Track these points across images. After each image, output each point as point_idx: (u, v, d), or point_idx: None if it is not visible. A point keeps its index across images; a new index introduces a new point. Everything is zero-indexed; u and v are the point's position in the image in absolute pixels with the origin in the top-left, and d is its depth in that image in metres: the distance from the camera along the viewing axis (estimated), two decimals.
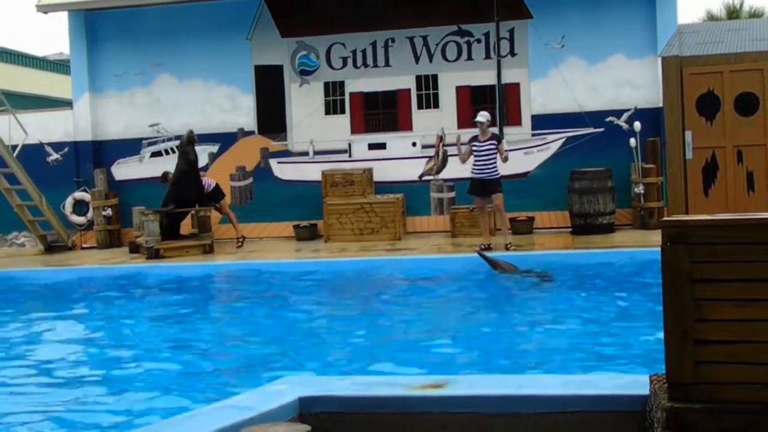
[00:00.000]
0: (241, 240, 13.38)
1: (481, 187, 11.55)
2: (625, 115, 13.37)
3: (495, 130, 13.73)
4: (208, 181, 13.48)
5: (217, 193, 13.49)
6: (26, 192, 14.18)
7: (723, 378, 3.22)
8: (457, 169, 13.84)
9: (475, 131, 11.76)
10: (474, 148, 11.55)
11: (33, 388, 6.11)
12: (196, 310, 9.28)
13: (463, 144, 11.73)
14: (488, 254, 10.23)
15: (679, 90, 12.58)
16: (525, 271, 9.69)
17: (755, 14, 23.16)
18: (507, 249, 11.19)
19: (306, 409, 3.93)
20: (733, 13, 23.62)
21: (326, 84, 14.35)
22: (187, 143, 13.09)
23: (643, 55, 13.27)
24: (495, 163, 11.50)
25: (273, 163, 14.53)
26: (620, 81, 13.41)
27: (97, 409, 5.47)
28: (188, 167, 13.07)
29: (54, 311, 9.48)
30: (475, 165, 11.54)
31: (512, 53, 13.80)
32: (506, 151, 11.76)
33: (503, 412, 3.81)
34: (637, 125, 12.95)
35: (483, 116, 11.63)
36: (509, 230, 11.86)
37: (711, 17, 23.99)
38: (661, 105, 12.88)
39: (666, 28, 13.07)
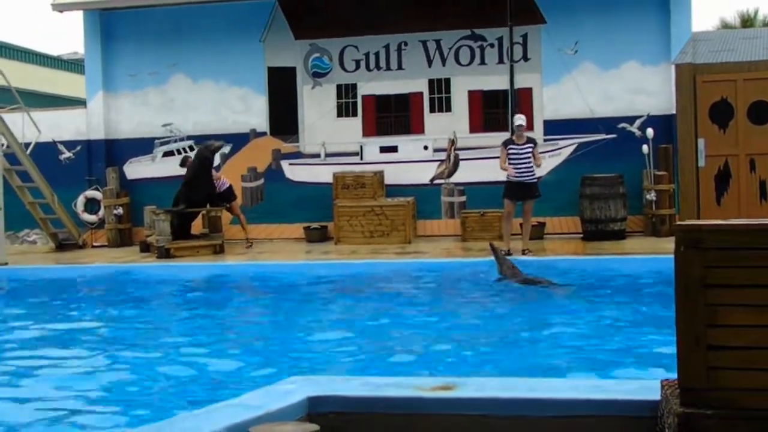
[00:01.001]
0: (249, 243, 13.38)
1: (521, 189, 11.36)
2: (638, 122, 13.34)
3: (507, 134, 13.73)
4: (224, 181, 13.48)
5: (229, 194, 13.51)
6: (38, 190, 14.25)
7: (736, 384, 3.20)
8: (468, 173, 13.87)
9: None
10: (512, 152, 11.34)
11: (31, 386, 6.12)
12: (205, 309, 9.28)
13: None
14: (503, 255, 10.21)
15: (692, 97, 12.55)
16: (526, 280, 9.61)
17: None
18: (524, 254, 11.15)
19: (314, 409, 3.92)
20: (747, 22, 23.57)
21: (339, 86, 14.37)
22: (212, 152, 13.20)
23: (657, 62, 13.25)
24: (533, 165, 11.43)
25: (284, 164, 14.55)
26: (633, 88, 13.38)
27: (106, 410, 5.48)
28: (202, 170, 13.12)
29: (60, 309, 9.50)
30: (516, 168, 11.30)
31: (525, 58, 13.80)
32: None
33: (513, 415, 3.79)
34: (650, 132, 12.91)
35: (522, 119, 11.48)
36: (528, 236, 11.76)
37: (725, 25, 23.94)
38: (674, 112, 12.85)
39: (680, 36, 13.04)
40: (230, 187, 13.54)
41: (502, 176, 13.20)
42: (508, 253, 11.09)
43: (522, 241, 11.56)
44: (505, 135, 13.68)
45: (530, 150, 11.32)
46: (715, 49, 13.11)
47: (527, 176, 11.33)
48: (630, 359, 6.32)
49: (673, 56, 12.90)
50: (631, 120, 13.38)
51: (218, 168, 14.06)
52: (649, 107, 13.32)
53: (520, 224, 12.23)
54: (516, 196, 11.42)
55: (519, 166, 11.31)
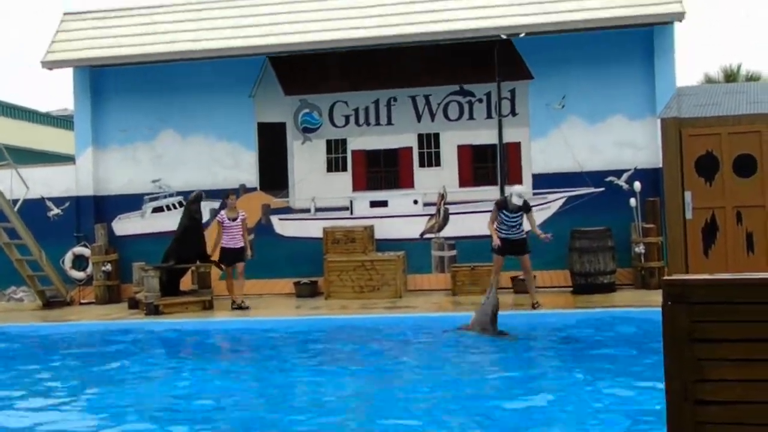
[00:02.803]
0: (238, 304, 12.63)
1: (509, 246, 11.27)
2: (625, 175, 13.43)
3: (497, 188, 13.81)
4: (242, 214, 12.84)
5: (242, 254, 12.80)
6: (26, 247, 14.19)
7: None
8: (458, 227, 13.90)
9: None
10: (503, 216, 11.24)
11: None
12: (192, 367, 9.18)
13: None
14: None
15: (678, 151, 12.65)
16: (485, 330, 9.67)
17: (752, 77, 23.44)
18: (534, 308, 11.11)
19: None
20: (730, 77, 23.91)
21: (328, 141, 14.46)
22: (194, 201, 13.16)
23: (643, 116, 13.40)
24: (522, 227, 11.36)
25: (274, 219, 14.56)
26: (620, 141, 13.52)
27: None
28: (192, 224, 13.10)
29: (44, 368, 9.36)
30: (504, 230, 11.25)
31: (513, 113, 13.94)
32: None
33: None
34: (637, 185, 13.00)
35: (520, 200, 11.21)
36: (536, 289, 11.69)
37: (709, 80, 24.28)
38: (660, 165, 12.94)
39: (665, 90, 13.22)
40: (243, 248, 12.79)
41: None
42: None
43: (530, 295, 11.50)
44: (495, 189, 13.81)
45: (521, 216, 11.28)
46: (699, 104, 13.28)
47: (515, 235, 11.31)
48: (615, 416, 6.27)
49: (659, 110, 13.05)
50: (618, 173, 13.49)
51: (207, 224, 14.01)
52: (636, 161, 13.43)
53: (511, 278, 12.22)
54: (504, 252, 11.41)
55: (507, 226, 11.26)
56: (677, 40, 13.43)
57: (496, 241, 11.19)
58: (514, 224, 11.27)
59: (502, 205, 11.37)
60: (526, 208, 11.37)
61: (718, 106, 13.15)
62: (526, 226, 11.40)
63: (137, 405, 7.25)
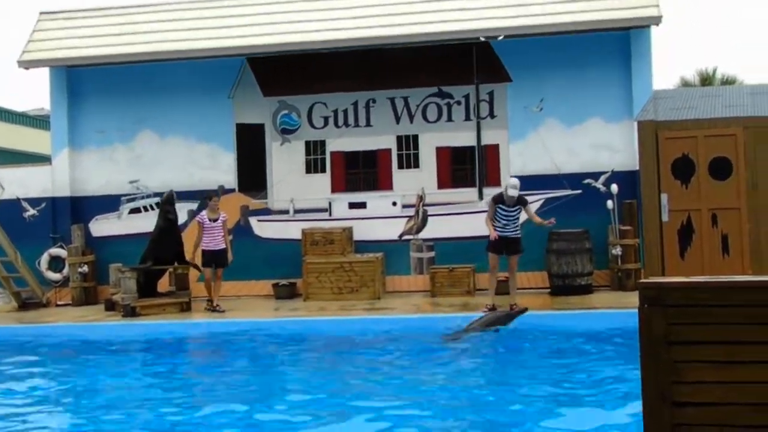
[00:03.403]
0: (214, 307, 12.50)
1: (504, 244, 11.28)
2: (603, 178, 13.53)
3: (475, 190, 13.86)
4: (223, 215, 12.72)
5: (224, 257, 12.67)
6: (1, 248, 14.05)
7: None
8: (436, 228, 13.94)
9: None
10: (500, 211, 11.28)
11: None
12: (170, 369, 9.15)
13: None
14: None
15: (654, 153, 12.76)
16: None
17: (728, 81, 23.68)
18: (511, 309, 11.15)
19: None
20: (706, 80, 24.14)
21: (307, 143, 14.45)
22: (167, 202, 13.13)
23: (620, 119, 13.50)
24: (519, 224, 11.42)
25: (253, 221, 14.52)
26: (597, 144, 13.61)
27: None
28: (167, 225, 13.05)
29: (18, 370, 9.30)
30: (501, 225, 11.28)
31: (492, 115, 13.99)
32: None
33: None
34: (614, 188, 13.09)
35: (515, 190, 11.22)
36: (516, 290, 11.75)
37: (685, 83, 24.49)
38: (637, 168, 13.05)
39: (642, 93, 13.32)
40: (224, 250, 12.64)
41: (469, 232, 13.27)
42: (493, 308, 11.11)
43: (510, 296, 11.54)
44: (473, 191, 13.86)
45: (519, 210, 11.35)
46: (676, 107, 13.39)
47: (511, 232, 11.35)
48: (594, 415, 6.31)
49: (636, 113, 13.15)
50: (595, 176, 13.57)
51: (185, 225, 13.96)
52: (613, 163, 13.53)
53: (500, 280, 12.18)
54: (499, 250, 11.42)
55: (505, 221, 11.31)
56: (654, 43, 13.57)
57: (494, 235, 11.21)
58: (512, 219, 11.30)
59: (499, 199, 11.39)
60: (522, 201, 11.40)
61: (694, 110, 13.28)
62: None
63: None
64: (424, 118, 14.14)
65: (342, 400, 7.06)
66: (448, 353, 9.19)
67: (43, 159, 18.42)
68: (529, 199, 13.71)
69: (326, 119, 14.38)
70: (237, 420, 6.59)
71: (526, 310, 10.57)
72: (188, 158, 14.63)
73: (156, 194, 14.56)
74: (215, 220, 12.59)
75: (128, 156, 14.82)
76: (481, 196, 13.78)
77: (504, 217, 11.31)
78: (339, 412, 6.65)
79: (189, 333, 11.50)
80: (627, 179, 13.31)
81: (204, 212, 12.77)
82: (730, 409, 3.20)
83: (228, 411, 6.88)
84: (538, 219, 11.50)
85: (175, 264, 13.22)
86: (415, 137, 14.17)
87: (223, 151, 14.58)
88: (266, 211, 14.52)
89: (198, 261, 12.80)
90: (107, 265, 13.96)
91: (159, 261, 13.03)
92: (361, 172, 14.35)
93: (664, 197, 12.71)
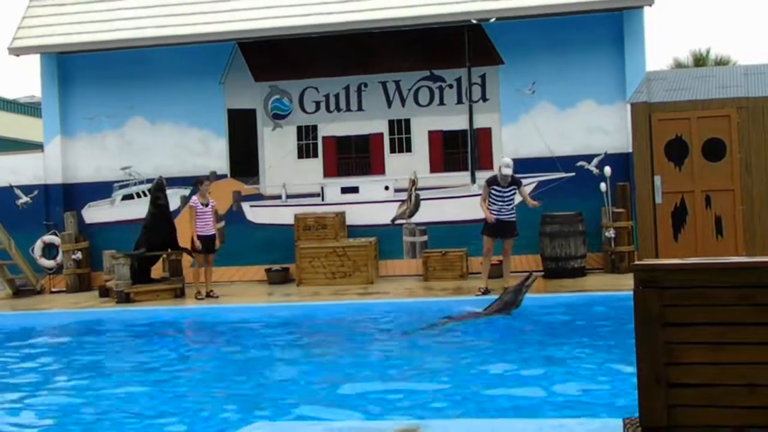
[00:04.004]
0: (206, 294, 12.43)
1: (500, 227, 11.31)
2: (596, 160, 13.52)
3: (468, 174, 13.85)
4: (211, 201, 12.63)
5: (213, 243, 12.59)
6: None
7: (696, 421, 3.22)
8: (429, 212, 13.93)
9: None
10: (494, 192, 11.31)
11: None
12: (166, 354, 9.14)
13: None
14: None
15: (648, 136, 12.77)
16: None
17: (721, 62, 23.63)
18: (504, 291, 11.13)
19: None
20: (699, 61, 24.09)
21: (299, 128, 14.40)
22: (156, 189, 13.09)
23: (613, 101, 13.47)
24: (514, 206, 11.44)
25: (245, 206, 14.49)
26: (590, 126, 13.58)
27: None
28: (158, 211, 13.01)
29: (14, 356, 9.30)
30: (496, 207, 11.30)
31: (484, 98, 13.96)
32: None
33: None
34: (608, 170, 13.09)
35: (509, 169, 11.22)
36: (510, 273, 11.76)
37: (678, 65, 24.44)
38: (630, 150, 13.05)
39: (634, 75, 13.29)
40: (214, 236, 12.58)
41: (462, 216, 13.26)
42: (486, 291, 11.12)
43: (503, 278, 11.55)
44: (466, 174, 13.85)
45: (513, 192, 11.34)
46: (669, 88, 13.38)
47: (506, 215, 11.34)
48: (588, 397, 6.33)
49: (628, 95, 13.13)
50: (588, 158, 13.56)
51: (177, 211, 13.93)
52: (606, 146, 13.51)
53: (492, 264, 12.17)
54: (494, 233, 11.42)
55: (500, 204, 11.32)
56: (647, 25, 13.53)
57: (490, 218, 11.19)
58: (506, 201, 11.29)
59: (493, 181, 11.38)
60: (517, 182, 11.39)
61: (687, 91, 13.27)
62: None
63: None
64: (416, 102, 14.10)
65: (335, 382, 7.07)
66: (446, 337, 9.21)
67: (34, 146, 18.34)
68: (523, 182, 13.75)
69: (318, 104, 14.33)
70: (233, 401, 6.60)
71: (531, 274, 10.38)
72: (180, 144, 14.58)
73: (148, 180, 14.51)
74: (206, 205, 12.52)
75: (119, 142, 14.76)
76: (473, 180, 13.76)
77: (499, 200, 11.30)
78: (331, 400, 6.66)
79: (183, 318, 11.49)
80: (620, 162, 13.30)
81: (195, 197, 12.69)
82: (725, 390, 3.20)
83: (224, 394, 6.89)
84: (531, 201, 11.49)
85: (168, 250, 13.20)
86: (407, 121, 14.14)
87: (215, 136, 14.52)
88: (258, 197, 14.49)
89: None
90: (101, 252, 13.95)
91: (152, 247, 13.00)
92: (353, 157, 14.32)
93: (657, 179, 12.73)
